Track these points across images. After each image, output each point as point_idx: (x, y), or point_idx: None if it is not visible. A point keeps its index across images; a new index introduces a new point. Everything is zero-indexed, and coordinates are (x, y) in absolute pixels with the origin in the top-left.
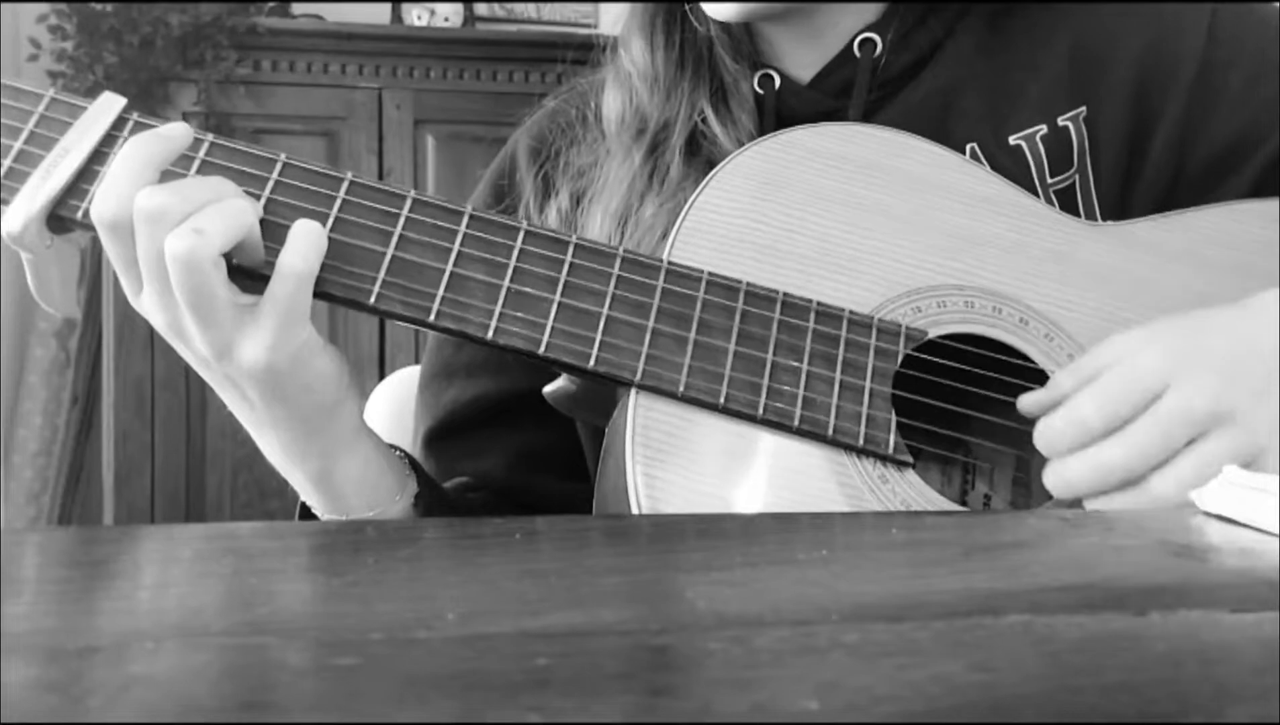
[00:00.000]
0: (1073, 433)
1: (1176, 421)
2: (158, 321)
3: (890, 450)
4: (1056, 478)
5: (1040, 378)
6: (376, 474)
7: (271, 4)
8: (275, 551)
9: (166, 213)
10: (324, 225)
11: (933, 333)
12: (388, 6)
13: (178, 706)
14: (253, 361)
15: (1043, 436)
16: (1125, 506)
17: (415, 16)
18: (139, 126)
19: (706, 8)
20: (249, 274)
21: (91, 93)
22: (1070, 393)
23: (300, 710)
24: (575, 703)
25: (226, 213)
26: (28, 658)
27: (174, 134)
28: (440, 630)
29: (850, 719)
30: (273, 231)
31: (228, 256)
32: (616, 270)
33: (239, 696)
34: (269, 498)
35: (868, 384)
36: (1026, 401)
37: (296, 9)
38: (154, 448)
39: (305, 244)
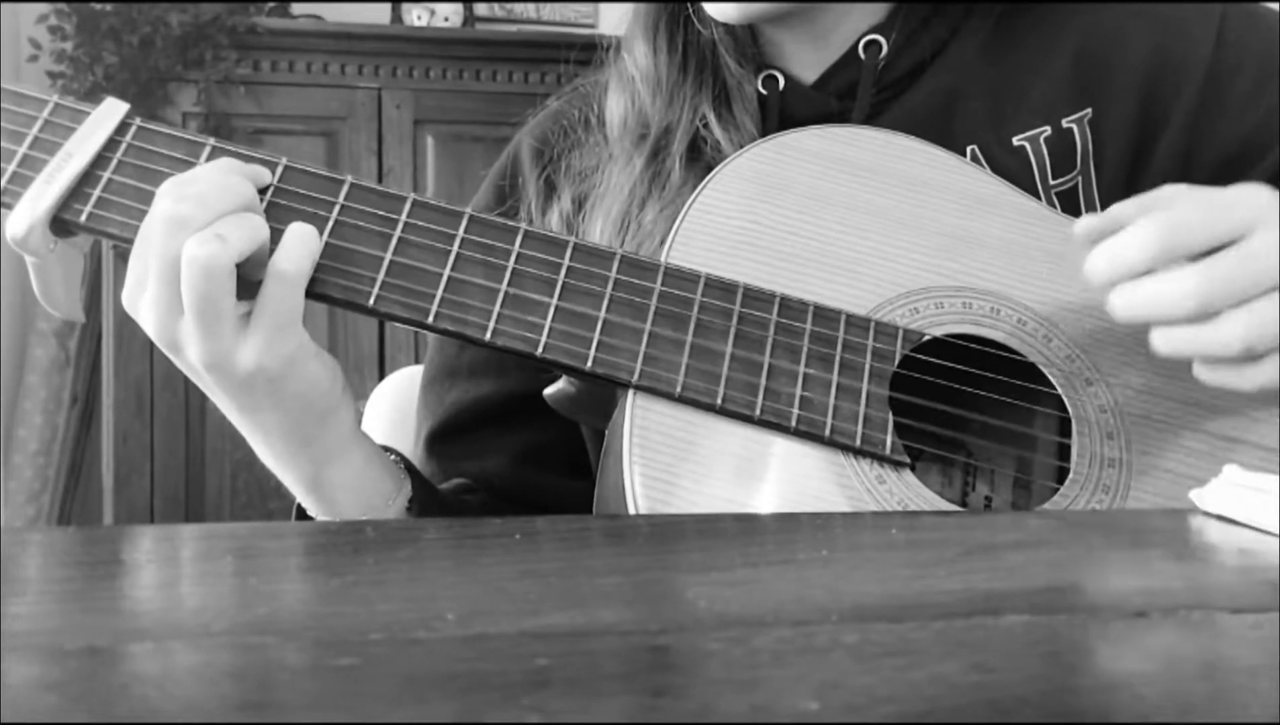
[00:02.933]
0: (1134, 255)
1: (1262, 260)
2: (152, 325)
3: (888, 451)
4: (1123, 298)
5: (1039, 378)
6: (370, 480)
7: (271, 4)
8: (275, 551)
9: (190, 220)
10: (324, 228)
11: (930, 334)
12: (388, 6)
13: (178, 706)
14: (245, 366)
15: (1103, 256)
16: (1186, 343)
17: (415, 16)
18: (142, 131)
19: (709, 8)
20: (244, 282)
21: (92, 93)
22: (1135, 217)
23: (300, 710)
24: (575, 703)
25: (246, 223)
26: (28, 658)
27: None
28: (440, 630)
29: (850, 719)
30: (273, 235)
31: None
32: (614, 272)
33: (239, 696)
34: (269, 498)
35: (865, 385)
36: (1081, 225)
37: (296, 9)
38: (154, 448)
39: (297, 247)
